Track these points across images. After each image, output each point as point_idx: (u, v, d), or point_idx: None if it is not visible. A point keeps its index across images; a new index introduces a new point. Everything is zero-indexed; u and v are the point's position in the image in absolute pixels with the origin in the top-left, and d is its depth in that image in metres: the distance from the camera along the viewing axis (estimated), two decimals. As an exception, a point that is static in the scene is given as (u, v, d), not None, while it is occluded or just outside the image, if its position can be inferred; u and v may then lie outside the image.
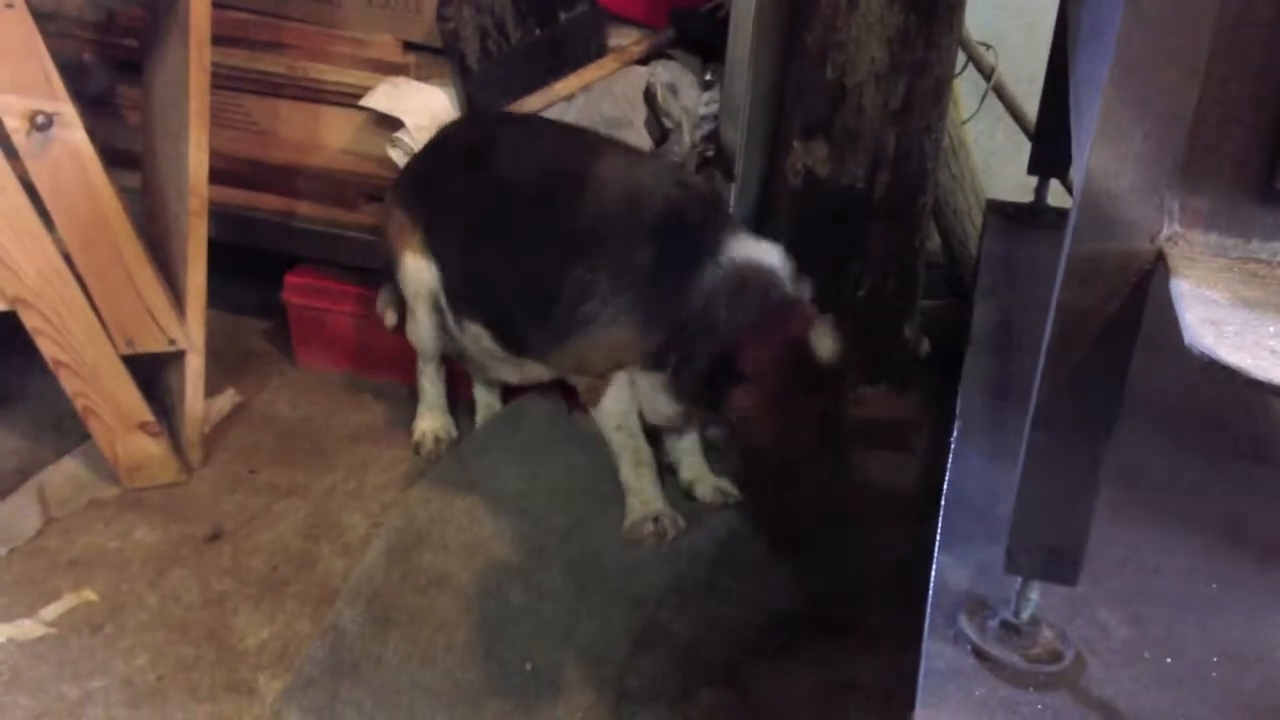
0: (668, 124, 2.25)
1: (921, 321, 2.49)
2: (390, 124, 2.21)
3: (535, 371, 2.06)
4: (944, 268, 2.78)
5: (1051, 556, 1.03)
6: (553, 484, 2.05)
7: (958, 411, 1.53)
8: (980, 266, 2.08)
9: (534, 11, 2.27)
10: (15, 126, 1.75)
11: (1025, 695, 1.06)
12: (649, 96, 2.23)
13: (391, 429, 2.27)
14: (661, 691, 1.66)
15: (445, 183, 2.05)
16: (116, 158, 2.03)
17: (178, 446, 2.05)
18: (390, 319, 2.23)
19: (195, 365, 1.99)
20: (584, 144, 1.99)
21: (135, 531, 1.92)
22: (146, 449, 2.00)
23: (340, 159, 2.33)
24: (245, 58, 2.30)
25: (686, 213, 1.85)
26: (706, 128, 2.28)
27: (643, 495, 1.96)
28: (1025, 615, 1.11)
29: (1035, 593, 1.09)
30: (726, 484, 2.08)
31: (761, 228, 2.30)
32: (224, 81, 2.26)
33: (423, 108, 2.21)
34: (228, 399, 2.28)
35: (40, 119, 1.76)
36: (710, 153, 2.26)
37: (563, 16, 2.30)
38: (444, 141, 2.11)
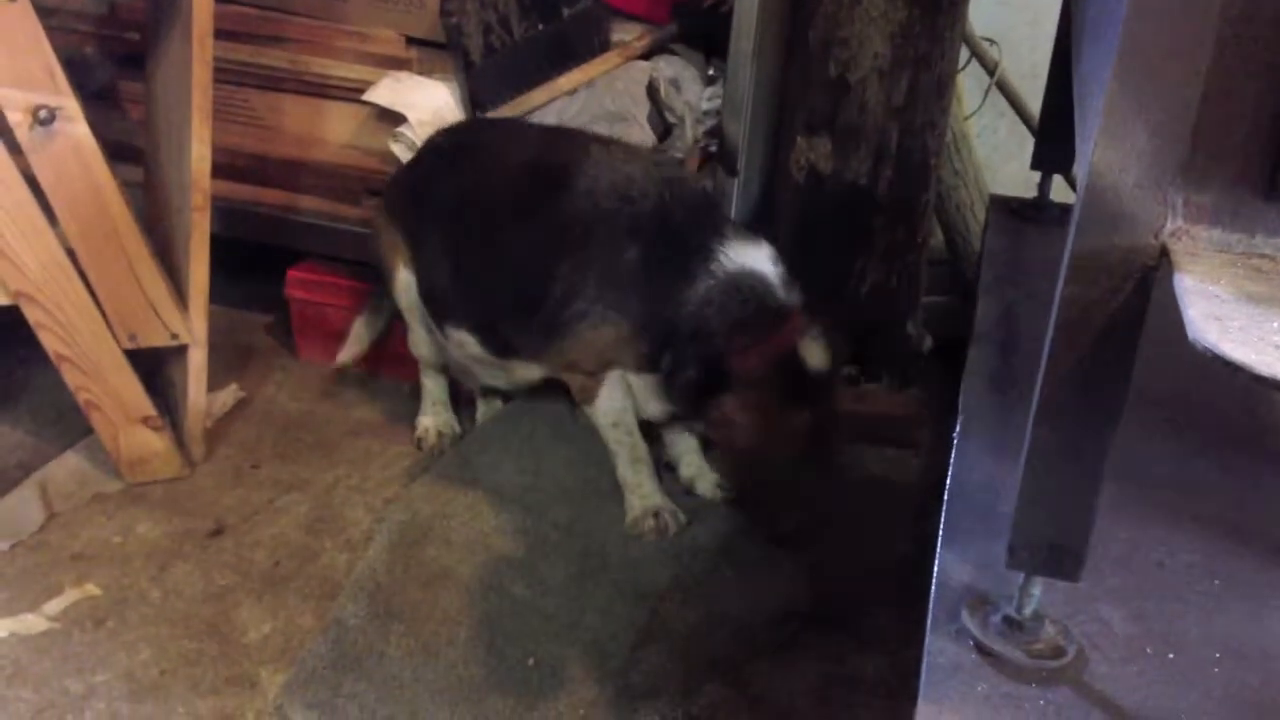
0: (670, 119, 2.25)
1: (924, 317, 2.49)
2: (393, 119, 2.21)
3: (523, 373, 2.05)
4: (947, 263, 2.78)
5: (1054, 552, 1.03)
6: (555, 479, 2.05)
7: (960, 407, 1.53)
8: (983, 262, 2.07)
9: (537, 6, 2.27)
10: (18, 120, 1.75)
11: (1027, 691, 1.06)
12: (652, 92, 2.23)
13: (394, 424, 2.27)
14: (663, 686, 1.66)
15: (425, 193, 2.04)
16: (119, 152, 2.03)
17: (180, 441, 2.05)
18: (349, 353, 2.25)
19: (197, 360, 2.00)
20: (569, 142, 1.98)
21: (138, 526, 1.92)
22: (149, 443, 2.00)
23: (343, 154, 2.33)
24: (248, 52, 2.30)
25: (677, 213, 1.83)
26: (709, 123, 2.28)
27: (641, 491, 1.96)
28: (1028, 611, 1.11)
29: (1038, 588, 1.09)
30: (724, 480, 2.08)
31: (764, 224, 2.30)
32: (227, 76, 2.26)
33: (426, 103, 2.21)
34: (230, 394, 2.28)
35: (43, 113, 1.76)
36: (713, 148, 2.26)
37: (566, 12, 2.30)
38: (425, 153, 2.12)
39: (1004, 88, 2.77)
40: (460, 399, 2.29)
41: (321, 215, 2.35)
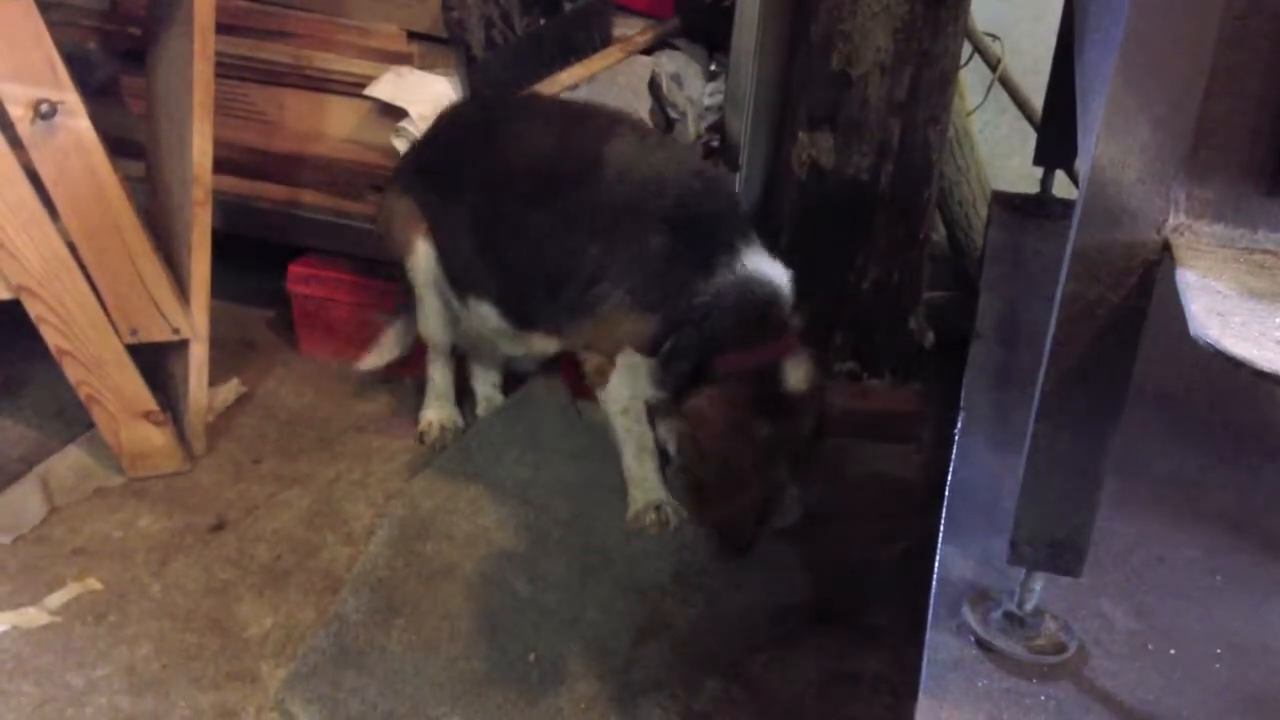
0: (673, 114, 2.24)
1: (926, 313, 2.49)
2: (395, 114, 2.21)
3: (541, 346, 2.06)
4: (949, 259, 2.78)
5: (1055, 548, 1.03)
6: (556, 474, 2.05)
7: (962, 403, 1.53)
8: (985, 258, 2.07)
9: (539, 1, 2.27)
10: (20, 115, 1.75)
11: (1028, 686, 1.06)
12: (654, 87, 2.22)
13: (395, 419, 2.27)
14: (664, 681, 1.66)
15: (450, 164, 2.04)
16: (120, 147, 2.03)
17: (181, 436, 2.05)
18: (377, 359, 2.25)
19: (199, 354, 2.00)
20: (598, 121, 1.98)
21: (139, 520, 1.93)
22: (150, 438, 2.00)
23: (344, 148, 2.32)
24: (249, 46, 2.30)
25: (704, 207, 1.85)
26: (711, 118, 2.28)
27: (645, 484, 1.96)
28: (1029, 606, 1.11)
29: (1039, 584, 1.09)
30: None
31: (766, 218, 2.30)
32: (228, 70, 2.26)
33: (427, 97, 2.21)
34: (231, 388, 2.28)
35: (44, 108, 1.76)
36: (715, 144, 2.26)
37: (568, 6, 2.29)
38: (447, 124, 2.11)
39: (1006, 83, 2.77)
40: (464, 393, 2.29)
41: (323, 210, 2.35)
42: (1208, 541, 1.31)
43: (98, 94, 2.32)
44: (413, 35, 2.26)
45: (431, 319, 2.13)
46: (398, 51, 2.26)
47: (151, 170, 2.21)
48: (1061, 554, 1.03)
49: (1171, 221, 0.87)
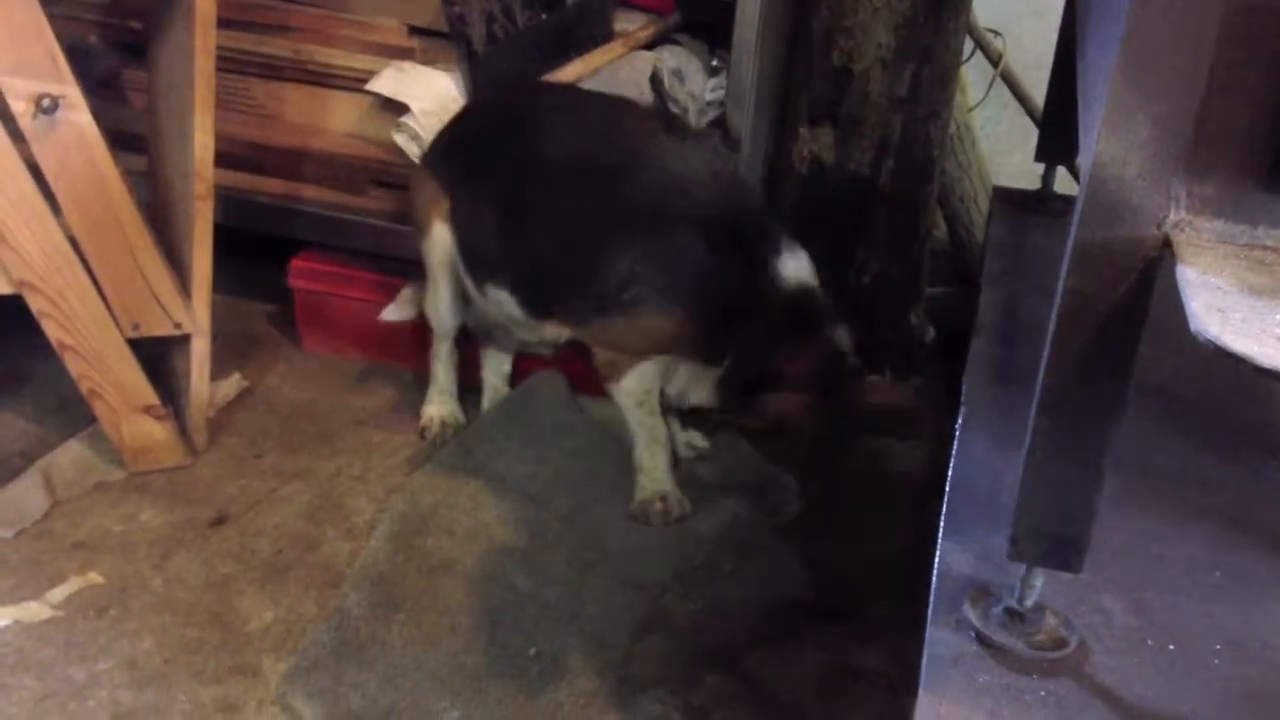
0: (674, 110, 2.24)
1: (927, 308, 2.49)
2: (396, 109, 2.21)
3: (554, 333, 2.06)
4: (950, 255, 2.77)
5: (1056, 543, 1.03)
6: (557, 469, 2.05)
7: (962, 398, 1.53)
8: (986, 253, 2.07)
9: (540, -4, 2.27)
10: (21, 109, 1.75)
11: (1028, 682, 1.06)
12: (655, 82, 2.22)
13: (397, 414, 2.27)
14: (664, 676, 1.66)
15: (479, 148, 2.03)
16: (122, 141, 2.02)
17: (183, 430, 2.06)
18: (398, 312, 2.26)
19: (200, 349, 2.00)
20: (633, 117, 1.99)
21: (141, 515, 1.93)
22: (152, 432, 2.00)
23: (346, 143, 2.32)
24: (251, 41, 2.30)
25: (741, 213, 1.87)
26: (712, 114, 2.28)
27: (654, 474, 1.97)
28: (1029, 602, 1.11)
29: (1039, 579, 1.09)
30: (697, 437, 2.17)
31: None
32: (229, 65, 2.25)
33: (428, 93, 2.21)
34: (233, 383, 2.28)
35: (46, 101, 1.75)
36: (717, 139, 2.26)
37: (569, 1, 2.29)
38: (480, 107, 2.11)
39: (1008, 79, 2.77)
40: (465, 387, 2.29)
41: (325, 205, 2.35)
42: (1208, 538, 1.31)
43: (99, 88, 2.32)
44: (414, 30, 2.26)
45: (440, 303, 2.13)
46: (399, 46, 2.26)
47: (153, 164, 2.21)
48: (1062, 550, 1.03)
49: (1172, 218, 0.87)
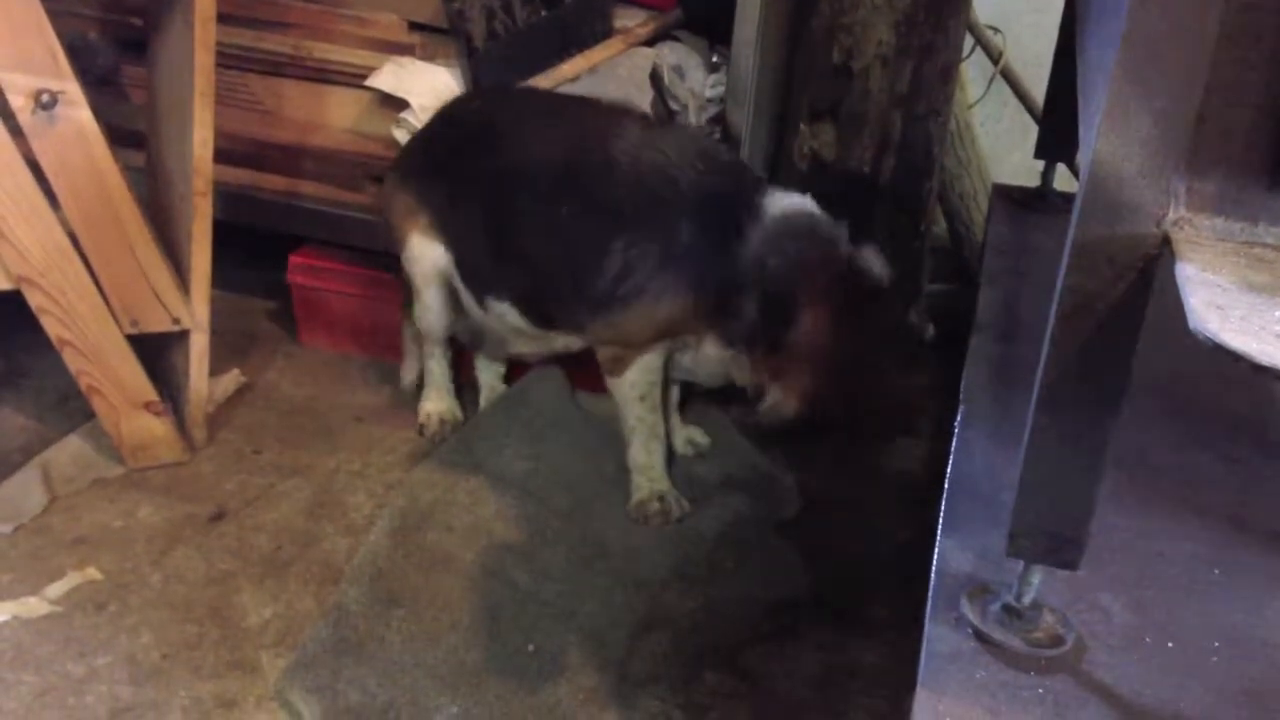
0: (674, 106, 2.24)
1: (926, 305, 2.49)
2: (395, 104, 2.21)
3: (561, 343, 2.06)
4: (950, 252, 2.77)
5: (1054, 541, 1.03)
6: (557, 465, 2.05)
7: (961, 395, 1.53)
8: (986, 251, 2.07)
9: (541, -8, 2.27)
10: (20, 105, 1.75)
11: (1026, 679, 1.06)
12: (655, 79, 2.22)
13: (395, 410, 2.27)
14: (664, 674, 1.66)
15: (456, 160, 2.03)
16: (121, 137, 2.02)
17: (182, 426, 2.06)
18: (412, 371, 2.29)
19: (199, 345, 2.00)
20: (605, 115, 1.98)
21: (139, 510, 1.93)
22: (151, 428, 2.00)
23: (345, 139, 2.32)
24: (250, 37, 2.30)
25: (717, 181, 1.85)
26: (713, 110, 2.28)
27: (651, 473, 1.97)
28: (1027, 599, 1.11)
29: (1037, 577, 1.09)
30: (698, 434, 2.17)
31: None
32: (229, 60, 2.25)
33: (428, 88, 2.21)
34: (232, 379, 2.28)
35: (45, 97, 1.75)
36: (717, 136, 2.26)
37: (569, -3, 2.29)
38: (450, 118, 2.10)
39: (1008, 76, 2.76)
40: (463, 384, 2.29)
41: (324, 201, 2.34)
42: (1206, 536, 1.31)
43: (99, 83, 2.32)
44: (414, 26, 2.26)
45: (430, 313, 2.13)
46: (399, 42, 2.26)
47: (152, 160, 2.21)
48: (1060, 547, 1.03)
49: (1172, 215, 0.87)
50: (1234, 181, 0.87)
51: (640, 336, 1.89)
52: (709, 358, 1.91)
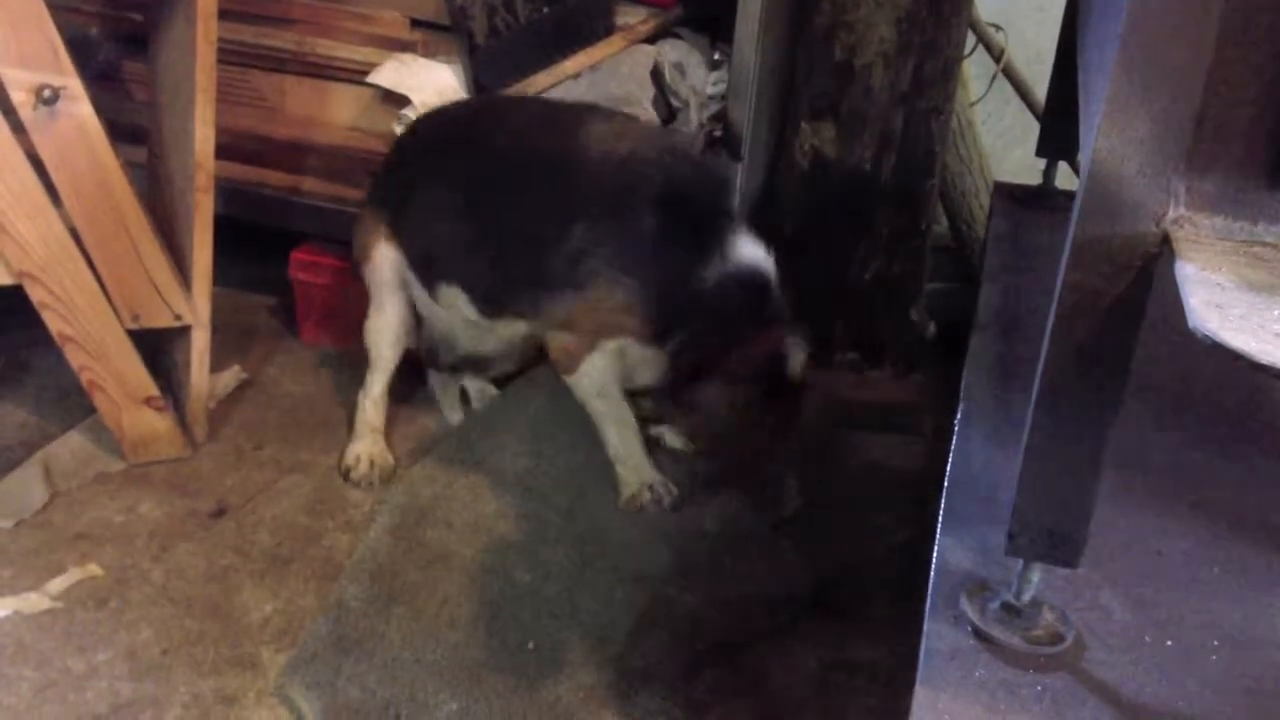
0: (675, 103, 2.24)
1: (928, 304, 2.48)
2: (397, 101, 2.21)
3: (509, 333, 2.06)
4: (951, 250, 2.77)
5: (1053, 539, 1.03)
6: (556, 462, 2.05)
7: (962, 394, 1.53)
8: (987, 249, 2.07)
9: (542, -11, 2.27)
10: (22, 100, 1.75)
11: (1025, 676, 1.06)
12: (656, 76, 2.22)
13: (395, 406, 2.27)
14: (663, 671, 1.66)
15: (416, 163, 2.05)
16: (122, 132, 2.02)
17: (183, 422, 2.06)
18: (454, 414, 2.28)
19: (201, 341, 2.00)
20: (573, 112, 2.00)
21: (140, 506, 1.93)
22: (152, 424, 2.00)
23: (347, 135, 2.32)
24: (252, 33, 2.30)
25: (689, 189, 1.86)
26: (714, 107, 2.27)
27: (632, 463, 1.97)
28: (1026, 597, 1.11)
29: (1036, 575, 1.09)
30: (668, 431, 2.16)
31: (769, 208, 2.30)
32: (231, 56, 2.25)
33: (430, 85, 2.21)
34: (233, 375, 2.28)
35: (47, 93, 1.75)
36: (718, 133, 2.26)
37: (570, -6, 2.29)
38: (414, 130, 2.12)
39: (1010, 74, 2.76)
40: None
41: (325, 197, 2.34)
42: (1206, 534, 1.31)
43: (100, 79, 2.32)
44: (416, 22, 2.26)
45: (385, 328, 2.11)
46: (400, 39, 2.26)
47: (154, 156, 2.21)
48: (1059, 545, 1.03)
49: (1171, 214, 0.87)
50: (1233, 181, 0.87)
51: (588, 324, 1.89)
52: (643, 358, 1.92)
